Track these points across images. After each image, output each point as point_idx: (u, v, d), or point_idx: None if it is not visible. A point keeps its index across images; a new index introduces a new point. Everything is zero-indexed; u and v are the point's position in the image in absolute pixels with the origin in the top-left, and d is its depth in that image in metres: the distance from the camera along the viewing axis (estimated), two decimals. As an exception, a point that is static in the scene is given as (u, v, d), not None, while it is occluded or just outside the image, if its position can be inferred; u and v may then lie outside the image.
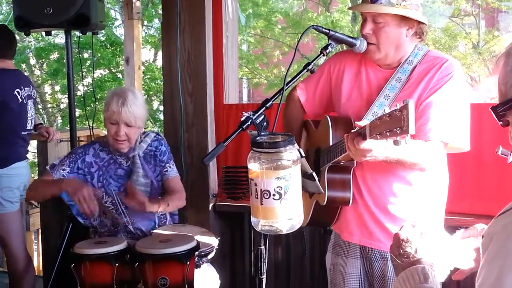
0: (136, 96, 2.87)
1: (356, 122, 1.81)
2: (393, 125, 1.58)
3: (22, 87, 3.68)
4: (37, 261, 5.11)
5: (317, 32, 2.22)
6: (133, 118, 2.81)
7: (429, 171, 2.16)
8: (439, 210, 2.28)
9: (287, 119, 2.53)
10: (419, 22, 2.13)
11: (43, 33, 3.73)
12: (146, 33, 14.57)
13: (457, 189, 2.58)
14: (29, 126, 3.85)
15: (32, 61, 16.11)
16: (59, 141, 4.35)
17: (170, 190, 2.98)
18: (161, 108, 13.42)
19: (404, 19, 2.10)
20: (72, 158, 2.94)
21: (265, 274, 2.13)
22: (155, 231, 2.90)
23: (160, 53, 14.74)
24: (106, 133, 3.06)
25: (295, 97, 2.48)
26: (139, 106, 2.84)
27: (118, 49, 14.17)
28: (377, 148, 1.79)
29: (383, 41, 2.12)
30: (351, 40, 2.20)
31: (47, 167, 2.98)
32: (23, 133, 3.77)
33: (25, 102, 3.70)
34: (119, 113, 2.78)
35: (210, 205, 3.82)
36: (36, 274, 4.28)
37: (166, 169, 3.00)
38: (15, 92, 3.62)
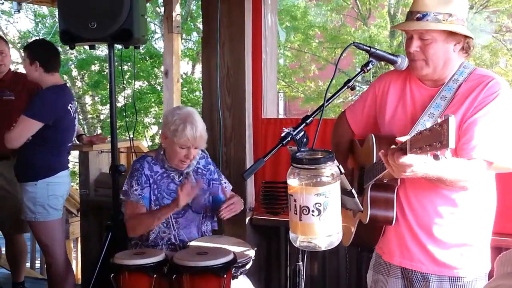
0: (199, 117, 2.96)
1: (397, 138, 1.78)
2: (433, 139, 1.57)
3: (72, 102, 3.81)
4: (75, 269, 5.19)
5: (354, 47, 2.20)
6: (203, 141, 2.93)
7: (476, 191, 2.11)
8: (485, 232, 2.21)
9: (336, 139, 2.53)
10: (466, 37, 2.10)
11: (86, 47, 3.82)
12: (184, 46, 14.77)
13: (505, 210, 2.49)
14: (74, 137, 3.99)
15: (74, 73, 16.52)
16: (100, 152, 4.43)
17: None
18: (198, 120, 13.53)
19: (451, 35, 2.07)
20: (136, 175, 2.96)
21: (302, 290, 2.12)
22: (191, 243, 2.92)
23: (198, 66, 14.93)
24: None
25: (344, 118, 2.49)
26: (204, 127, 2.93)
27: (157, 62, 14.39)
28: (417, 164, 1.77)
29: (431, 57, 2.09)
30: (392, 57, 2.18)
31: (122, 197, 3.03)
32: (69, 144, 3.90)
33: (74, 116, 3.83)
34: (194, 140, 2.85)
35: (247, 219, 3.84)
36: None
37: (225, 187, 3.17)
38: (68, 107, 3.74)
